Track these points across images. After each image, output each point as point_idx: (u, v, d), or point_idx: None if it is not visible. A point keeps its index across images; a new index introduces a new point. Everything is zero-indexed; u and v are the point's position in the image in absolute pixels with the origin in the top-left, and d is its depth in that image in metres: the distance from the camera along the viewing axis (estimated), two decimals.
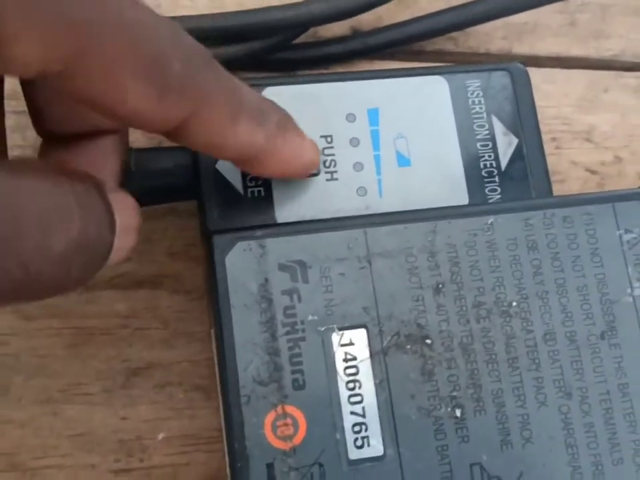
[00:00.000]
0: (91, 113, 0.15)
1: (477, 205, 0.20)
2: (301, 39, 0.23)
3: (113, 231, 0.15)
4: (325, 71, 0.23)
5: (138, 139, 0.22)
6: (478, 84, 0.21)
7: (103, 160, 0.17)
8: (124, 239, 0.15)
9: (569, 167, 0.24)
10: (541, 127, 0.22)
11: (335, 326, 0.17)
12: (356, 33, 0.23)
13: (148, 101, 0.14)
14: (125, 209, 0.15)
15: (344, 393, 0.17)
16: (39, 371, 0.20)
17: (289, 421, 0.17)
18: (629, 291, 0.19)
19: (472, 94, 0.21)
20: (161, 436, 0.20)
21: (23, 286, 0.13)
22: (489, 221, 0.18)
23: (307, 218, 0.19)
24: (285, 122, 0.17)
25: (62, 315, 0.20)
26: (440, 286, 0.18)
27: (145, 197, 0.20)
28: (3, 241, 0.12)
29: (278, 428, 0.17)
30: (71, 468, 0.20)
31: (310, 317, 0.17)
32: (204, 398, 0.21)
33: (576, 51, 0.25)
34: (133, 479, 0.20)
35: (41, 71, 0.13)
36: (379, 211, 0.19)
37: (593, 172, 0.24)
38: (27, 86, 0.17)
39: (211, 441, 0.20)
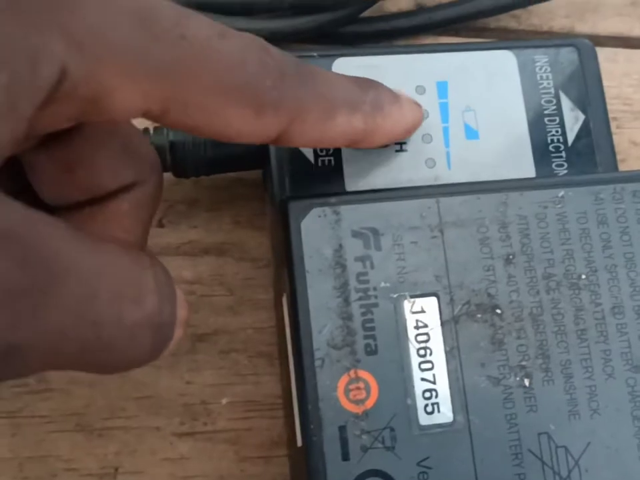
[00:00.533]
0: (85, 180, 0.15)
1: (548, 178, 0.20)
2: (367, 13, 0.23)
3: (175, 318, 0.15)
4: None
5: None
6: (546, 59, 0.21)
7: (118, 224, 0.16)
8: (178, 331, 0.15)
9: (630, 147, 0.24)
10: None
11: (406, 293, 0.18)
12: (421, 8, 0.23)
13: (247, 121, 0.15)
14: (181, 301, 0.15)
15: (415, 360, 0.17)
16: None
17: (361, 385, 0.17)
18: None
19: (540, 69, 0.21)
20: (224, 401, 0.21)
21: (94, 350, 0.13)
22: (560, 194, 0.19)
23: (376, 188, 0.19)
24: (379, 96, 0.18)
25: None
26: (511, 257, 0.18)
27: (213, 165, 0.20)
28: (79, 304, 0.12)
29: (350, 391, 0.17)
30: (137, 429, 0.20)
31: (382, 284, 0.18)
32: (268, 364, 0.21)
33: (639, 30, 0.25)
34: (197, 442, 0.20)
35: (142, 114, 0.14)
36: (448, 182, 0.20)
37: None
38: (23, 158, 0.15)
39: (273, 407, 0.21)
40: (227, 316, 0.21)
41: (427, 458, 0.17)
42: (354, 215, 0.18)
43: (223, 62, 0.14)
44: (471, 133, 0.20)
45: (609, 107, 0.24)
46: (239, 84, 0.14)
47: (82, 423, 0.20)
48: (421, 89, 0.20)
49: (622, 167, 0.23)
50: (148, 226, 0.16)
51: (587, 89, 0.21)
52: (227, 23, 0.21)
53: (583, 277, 0.18)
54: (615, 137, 0.23)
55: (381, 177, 0.20)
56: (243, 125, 0.15)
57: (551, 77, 0.21)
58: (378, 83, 0.18)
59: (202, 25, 0.14)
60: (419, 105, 0.19)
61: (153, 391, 0.20)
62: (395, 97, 0.18)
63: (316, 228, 0.18)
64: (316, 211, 0.18)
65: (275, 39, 0.21)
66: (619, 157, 0.23)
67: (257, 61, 0.15)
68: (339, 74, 0.17)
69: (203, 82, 0.14)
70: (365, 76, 0.20)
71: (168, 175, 0.20)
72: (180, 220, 0.21)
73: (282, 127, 0.15)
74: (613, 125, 0.24)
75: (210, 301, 0.21)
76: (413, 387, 0.17)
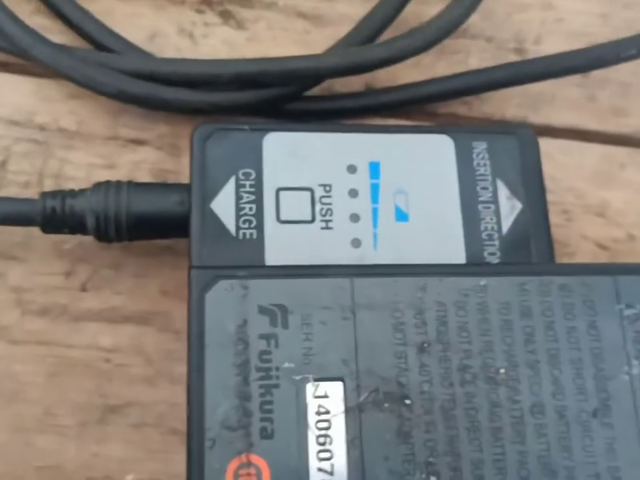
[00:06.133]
0: None
1: (471, 265, 0.19)
2: (316, 91, 0.23)
3: None
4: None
5: (141, 176, 0.22)
6: (484, 146, 0.21)
7: None
8: None
9: (579, 240, 0.23)
10: (553, 198, 0.22)
11: (310, 376, 0.17)
12: (370, 90, 0.23)
13: None
14: None
15: (313, 448, 0.16)
16: (17, 396, 0.20)
17: (252, 470, 0.16)
18: (626, 368, 0.18)
19: (478, 155, 0.21)
20: (130, 478, 0.20)
21: None
22: (482, 282, 0.18)
23: (297, 264, 0.19)
24: None
25: (48, 342, 0.20)
26: (425, 345, 0.17)
27: (139, 230, 0.20)
28: None
29: (240, 477, 0.16)
30: None
31: (286, 364, 0.17)
32: (180, 442, 0.20)
33: (593, 125, 0.24)
34: None
35: None
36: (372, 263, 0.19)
37: (603, 247, 0.23)
38: None
39: None
40: (141, 388, 0.20)
41: None
42: (263, 290, 0.17)
43: None
44: (401, 215, 0.20)
45: (560, 199, 0.23)
46: None
47: None
48: (352, 168, 0.20)
49: (571, 261, 0.23)
50: None
51: (526, 178, 0.21)
52: (168, 94, 0.21)
53: (502, 371, 0.17)
54: (564, 230, 0.23)
55: (303, 253, 0.19)
56: None
57: (488, 164, 0.20)
58: None
59: None
60: None
61: (56, 461, 0.20)
62: None
63: (221, 301, 0.17)
64: (223, 284, 0.17)
65: (216, 111, 0.21)
66: (568, 250, 0.23)
67: None
68: None
69: None
70: (296, 151, 0.20)
71: (94, 239, 0.20)
72: (104, 285, 0.21)
73: None
74: (563, 217, 0.23)
75: (126, 371, 0.20)
76: (308, 476, 0.16)
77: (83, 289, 0.21)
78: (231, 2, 0.24)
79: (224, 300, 0.17)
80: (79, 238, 0.21)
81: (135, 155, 0.22)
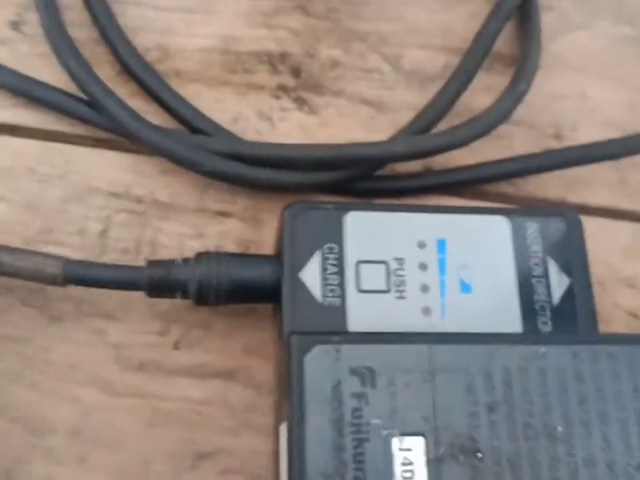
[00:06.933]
0: None
1: (532, 334, 0.22)
2: (380, 172, 0.26)
3: None
4: (398, 202, 0.26)
5: (227, 245, 0.25)
6: (536, 226, 0.23)
7: None
8: None
9: (612, 309, 0.26)
10: None
11: (396, 431, 0.19)
12: (428, 171, 0.26)
13: None
14: None
15: None
16: (117, 445, 0.22)
17: None
18: None
19: (530, 235, 0.23)
20: None
21: None
22: (542, 350, 0.20)
23: (376, 330, 0.21)
24: None
25: (144, 394, 0.23)
26: (494, 405, 0.20)
27: (234, 297, 0.22)
28: None
29: None
30: None
31: (374, 420, 0.19)
32: None
33: (625, 204, 0.27)
34: None
35: None
36: (441, 330, 0.22)
37: (635, 316, 0.26)
38: None
39: None
40: (228, 437, 0.22)
41: None
42: (354, 353, 0.20)
43: None
44: (465, 287, 0.22)
45: (594, 271, 0.26)
46: None
47: None
48: (422, 244, 0.23)
49: (605, 328, 0.25)
50: None
51: (573, 256, 0.23)
52: (256, 174, 0.24)
53: (560, 428, 0.20)
54: (599, 300, 0.26)
55: (381, 321, 0.22)
56: None
57: (540, 243, 0.23)
58: None
59: None
60: None
61: None
62: None
63: (318, 363, 0.20)
64: (319, 348, 0.20)
65: (296, 189, 0.24)
66: (601, 318, 0.25)
67: None
68: None
69: None
70: (374, 229, 0.22)
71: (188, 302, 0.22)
72: (195, 343, 0.23)
73: None
74: (598, 288, 0.26)
75: (214, 422, 0.23)
76: None
77: (176, 347, 0.23)
78: (304, 89, 0.27)
79: (320, 362, 0.20)
80: (174, 301, 0.23)
81: (222, 226, 0.25)
